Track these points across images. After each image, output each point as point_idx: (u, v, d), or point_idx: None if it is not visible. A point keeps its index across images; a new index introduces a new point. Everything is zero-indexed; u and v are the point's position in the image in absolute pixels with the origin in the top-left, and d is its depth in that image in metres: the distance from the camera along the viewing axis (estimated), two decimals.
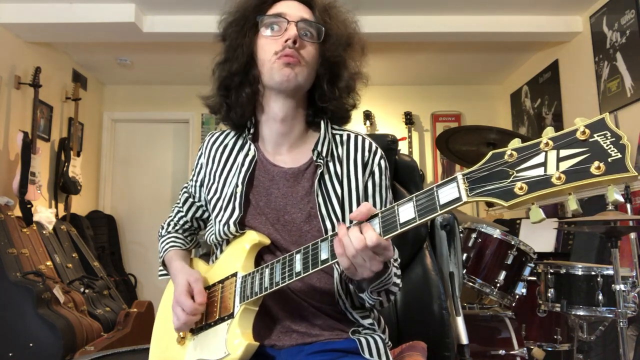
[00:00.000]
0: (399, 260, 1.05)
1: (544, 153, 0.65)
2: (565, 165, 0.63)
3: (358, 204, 1.04)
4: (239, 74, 1.06)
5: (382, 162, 1.10)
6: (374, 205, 1.07)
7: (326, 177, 1.05)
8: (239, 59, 1.05)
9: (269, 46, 1.03)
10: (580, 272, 2.18)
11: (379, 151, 1.11)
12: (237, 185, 1.06)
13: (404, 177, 1.46)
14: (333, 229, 1.01)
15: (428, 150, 5.03)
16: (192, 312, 1.00)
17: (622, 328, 1.97)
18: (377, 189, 1.08)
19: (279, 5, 1.06)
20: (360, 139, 1.11)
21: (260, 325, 1.00)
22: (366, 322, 1.04)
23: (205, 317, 1.03)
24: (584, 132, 0.63)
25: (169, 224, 1.24)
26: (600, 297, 2.10)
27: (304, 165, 1.07)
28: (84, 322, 2.92)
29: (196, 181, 1.18)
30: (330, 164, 1.06)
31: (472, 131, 2.70)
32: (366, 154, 1.09)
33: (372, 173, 1.08)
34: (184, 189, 1.22)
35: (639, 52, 3.05)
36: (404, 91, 5.07)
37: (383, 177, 1.09)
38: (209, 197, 1.12)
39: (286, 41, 1.00)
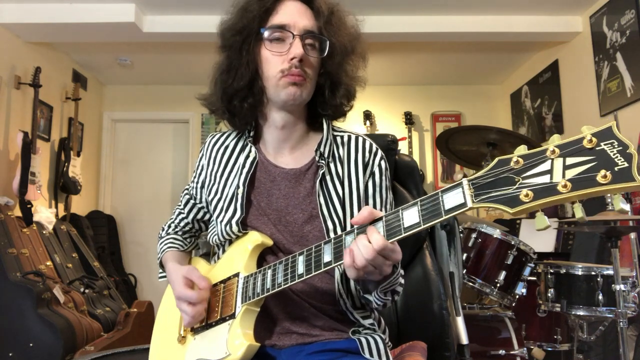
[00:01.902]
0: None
1: (550, 160, 0.64)
2: (571, 173, 0.62)
3: (359, 204, 1.04)
4: (243, 89, 1.05)
5: (383, 162, 1.10)
6: (374, 206, 1.07)
7: (327, 177, 1.05)
8: (244, 77, 1.03)
9: (275, 62, 1.01)
10: (580, 272, 2.18)
11: (379, 152, 1.11)
12: (238, 187, 1.06)
13: (404, 177, 1.46)
14: (335, 229, 1.01)
15: (428, 150, 5.03)
16: (198, 300, 1.00)
17: (622, 328, 1.97)
18: (378, 189, 1.08)
19: (282, 12, 1.03)
20: (360, 140, 1.11)
21: (261, 325, 1.00)
22: (367, 322, 1.04)
23: (207, 317, 1.03)
24: (590, 141, 0.62)
25: (169, 226, 1.25)
26: (600, 297, 2.10)
27: (306, 166, 1.07)
28: (84, 322, 2.92)
29: (197, 182, 1.18)
30: (332, 165, 1.07)
31: (472, 131, 2.70)
32: (367, 154, 1.09)
33: (372, 174, 1.08)
34: (185, 191, 1.22)
35: (639, 52, 3.05)
36: (404, 91, 5.07)
37: (383, 177, 1.09)
38: (210, 198, 1.12)
39: (292, 59, 0.99)
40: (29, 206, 3.36)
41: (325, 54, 1.04)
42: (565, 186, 0.62)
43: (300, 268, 0.89)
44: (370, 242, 0.78)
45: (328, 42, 1.03)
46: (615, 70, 3.27)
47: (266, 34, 1.02)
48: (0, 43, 3.50)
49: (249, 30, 1.03)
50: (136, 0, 3.41)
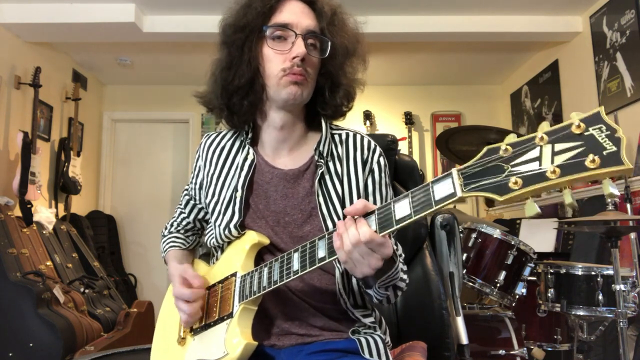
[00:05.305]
0: (403, 255, 1.05)
1: (538, 147, 0.65)
2: (560, 159, 0.63)
3: None
4: (244, 87, 1.04)
5: (381, 159, 1.10)
6: (374, 203, 1.06)
7: (327, 176, 1.05)
8: (245, 75, 1.03)
9: (276, 60, 1.01)
10: (580, 272, 2.18)
11: (378, 149, 1.11)
12: (236, 190, 1.06)
13: (404, 177, 1.46)
14: (334, 227, 1.01)
15: (428, 150, 5.03)
16: (193, 298, 1.01)
17: (622, 328, 1.97)
18: (377, 186, 1.08)
19: (286, 11, 1.02)
20: (359, 137, 1.11)
21: (260, 326, 1.00)
22: (367, 320, 1.04)
23: (205, 317, 1.03)
24: (579, 126, 0.62)
25: (171, 225, 1.25)
26: (600, 297, 2.10)
27: (304, 166, 1.07)
28: (84, 322, 2.92)
29: (195, 184, 1.18)
30: (330, 163, 1.06)
31: (472, 131, 2.70)
32: (365, 152, 1.09)
33: (371, 171, 1.08)
34: (185, 191, 1.23)
35: (639, 52, 3.05)
36: (404, 91, 5.07)
37: (382, 174, 1.09)
38: (207, 201, 1.12)
39: (294, 58, 0.99)
40: (29, 206, 3.36)
41: (327, 54, 1.04)
42: (554, 172, 0.62)
43: (296, 264, 0.89)
44: (358, 232, 0.79)
45: (330, 42, 1.03)
46: (615, 70, 3.27)
47: (268, 32, 1.02)
48: (0, 43, 3.50)
49: (252, 28, 1.02)
50: (136, 0, 3.41)
